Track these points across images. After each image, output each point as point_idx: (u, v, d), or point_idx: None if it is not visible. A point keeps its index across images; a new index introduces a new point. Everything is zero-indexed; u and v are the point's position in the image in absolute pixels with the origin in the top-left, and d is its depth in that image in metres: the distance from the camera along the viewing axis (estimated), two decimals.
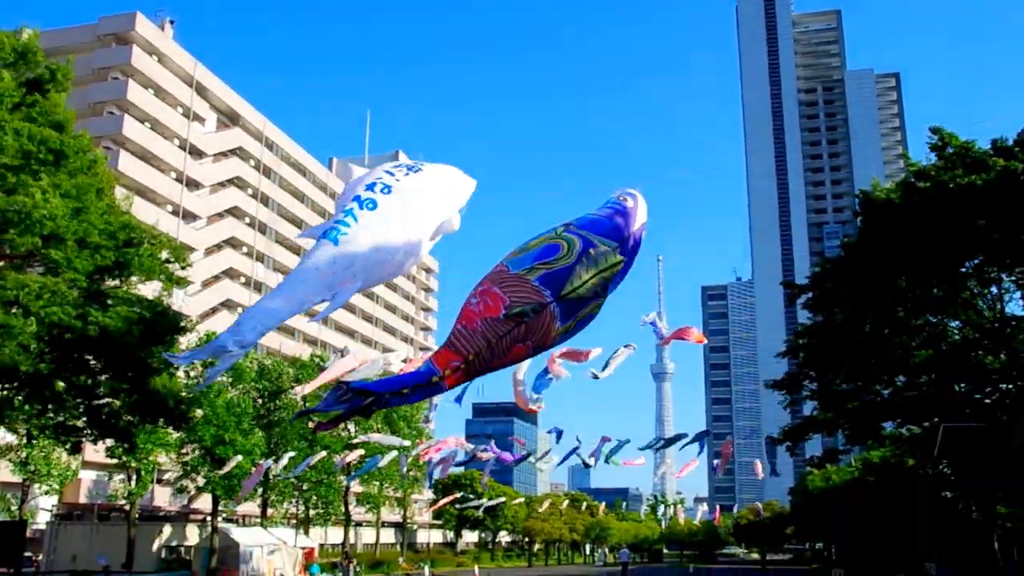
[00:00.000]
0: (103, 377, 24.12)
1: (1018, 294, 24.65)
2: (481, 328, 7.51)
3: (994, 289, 25.48)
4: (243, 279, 71.15)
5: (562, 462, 36.70)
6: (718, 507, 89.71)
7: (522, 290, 7.74)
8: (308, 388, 22.39)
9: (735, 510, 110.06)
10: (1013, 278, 24.52)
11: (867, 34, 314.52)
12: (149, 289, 26.64)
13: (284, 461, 35.85)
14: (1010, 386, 23.75)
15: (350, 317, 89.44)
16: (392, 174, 10.37)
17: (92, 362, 23.92)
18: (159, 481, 50.13)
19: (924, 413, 26.22)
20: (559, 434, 36.07)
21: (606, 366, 18.46)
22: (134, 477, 41.75)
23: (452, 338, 7.63)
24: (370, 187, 9.84)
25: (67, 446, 26.86)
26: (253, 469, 36.02)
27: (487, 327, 7.54)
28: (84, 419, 25.09)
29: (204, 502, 51.65)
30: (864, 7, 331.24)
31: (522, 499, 75.23)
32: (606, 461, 31.74)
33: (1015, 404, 20.03)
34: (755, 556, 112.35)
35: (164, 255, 25.86)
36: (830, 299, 27.76)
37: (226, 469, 32.13)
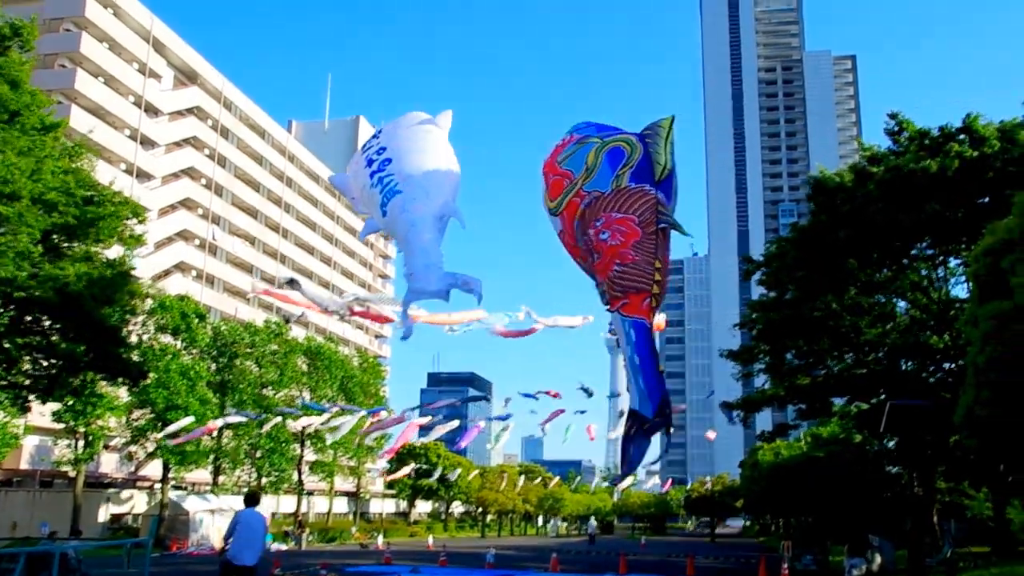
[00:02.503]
0: (57, 337, 23.96)
1: (963, 278, 25.54)
2: (638, 256, 7.83)
3: (941, 272, 26.42)
4: (197, 241, 70.39)
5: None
6: (669, 480, 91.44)
7: (632, 199, 8.11)
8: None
9: (689, 484, 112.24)
10: (959, 261, 25.41)
11: (826, 16, 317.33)
12: (108, 250, 26.43)
13: (235, 418, 35.76)
14: (953, 365, 24.65)
15: (305, 282, 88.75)
16: (369, 146, 10.72)
17: (47, 321, 23.75)
18: (106, 447, 49.46)
19: (872, 390, 27.12)
20: (507, 414, 36.91)
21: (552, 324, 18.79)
22: (81, 442, 40.60)
23: (620, 282, 7.82)
24: (369, 162, 10.26)
25: (16, 407, 26.62)
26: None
27: (641, 251, 7.85)
28: (37, 379, 24.90)
29: (153, 469, 51.22)
30: None
31: (476, 471, 75.94)
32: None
33: (957, 383, 20.86)
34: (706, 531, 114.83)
35: (127, 214, 25.72)
36: (783, 277, 28.44)
37: (173, 428, 31.95)
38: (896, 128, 25.12)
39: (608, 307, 8.01)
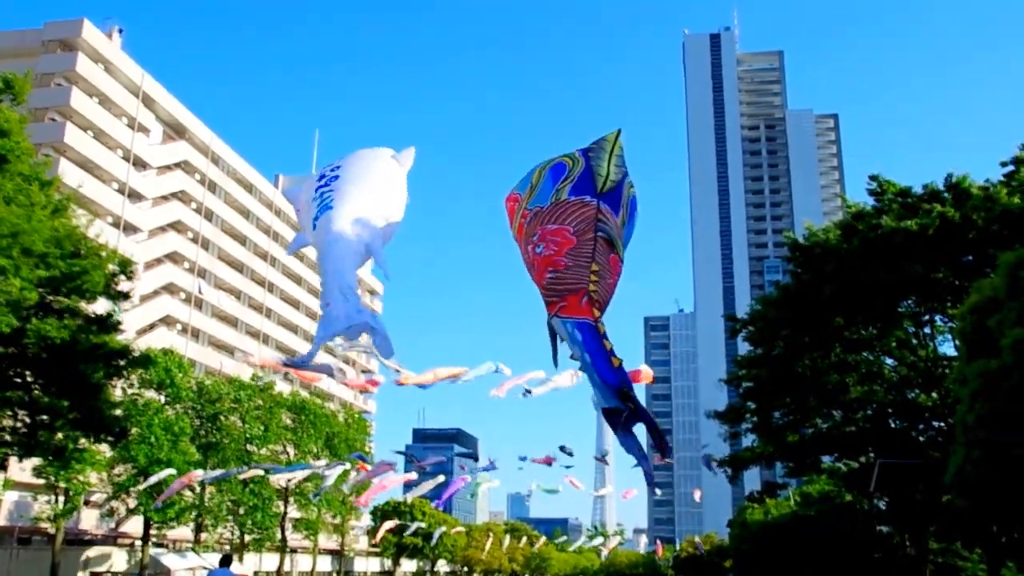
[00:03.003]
0: (40, 392, 23.70)
1: (950, 335, 25.73)
2: (571, 262, 7.74)
3: (927, 330, 26.63)
4: (183, 295, 70.12)
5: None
6: (658, 541, 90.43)
7: (569, 210, 8.04)
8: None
9: (677, 544, 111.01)
10: (945, 319, 25.63)
11: (808, 75, 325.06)
12: (93, 305, 26.29)
13: (216, 473, 35.30)
14: (942, 424, 24.70)
15: (291, 337, 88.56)
16: (330, 164, 10.70)
17: (29, 376, 23.52)
18: (86, 503, 48.55)
19: (861, 448, 27.11)
20: (491, 466, 36.76)
21: (542, 384, 18.85)
22: (61, 498, 39.51)
23: (554, 287, 7.75)
24: (320, 176, 10.20)
25: None
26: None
27: (575, 258, 7.76)
28: (18, 435, 24.56)
29: (134, 525, 50.28)
30: (805, 49, 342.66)
31: (462, 528, 74.93)
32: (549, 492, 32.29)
33: (947, 441, 20.87)
34: None
35: (112, 267, 25.65)
36: (768, 335, 28.57)
37: (154, 480, 31.50)
38: (878, 189, 25.59)
39: (548, 316, 7.81)
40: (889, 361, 27.70)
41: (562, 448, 36.02)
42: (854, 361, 26.84)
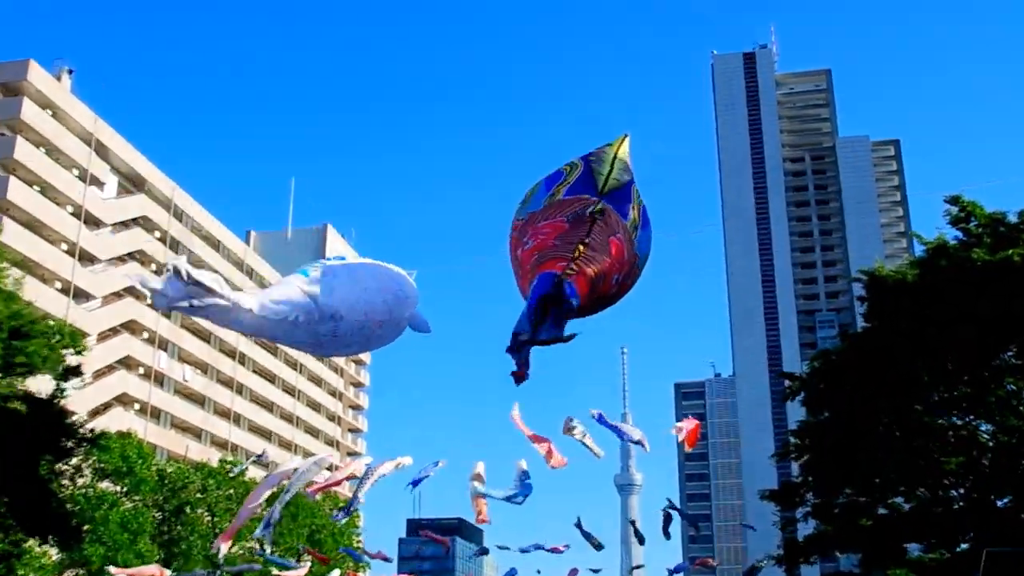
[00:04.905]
0: None
1: None
2: (560, 241, 8.17)
3: None
4: (142, 369, 69.95)
5: None
6: None
7: (564, 206, 8.48)
8: (226, 538, 22.26)
9: None
10: None
11: (861, 96, 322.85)
12: (37, 383, 26.17)
13: None
14: None
15: (266, 416, 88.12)
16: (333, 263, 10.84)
17: None
18: None
19: (957, 533, 25.84)
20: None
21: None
22: None
23: (538, 263, 8.17)
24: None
25: None
26: None
27: (564, 238, 8.15)
28: None
29: None
30: (857, 66, 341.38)
31: None
32: None
33: None
34: None
35: (57, 339, 25.60)
36: (833, 396, 27.96)
37: None
38: (961, 214, 24.70)
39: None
40: (984, 426, 26.46)
41: (579, 527, 34.52)
42: (939, 425, 25.90)
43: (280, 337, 9.29)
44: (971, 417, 26.11)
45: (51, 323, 26.65)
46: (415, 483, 22.03)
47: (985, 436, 26.52)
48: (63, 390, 26.52)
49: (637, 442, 18.02)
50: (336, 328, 9.11)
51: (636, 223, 8.76)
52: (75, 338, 26.70)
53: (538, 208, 8.84)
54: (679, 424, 19.02)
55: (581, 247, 7.89)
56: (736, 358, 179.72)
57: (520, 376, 7.93)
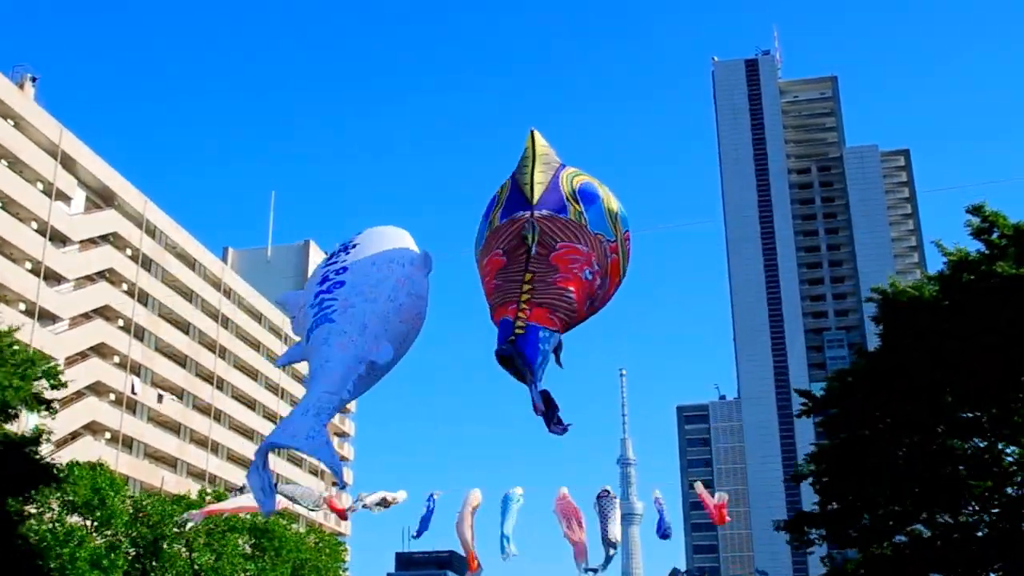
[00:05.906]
0: None
1: None
2: (501, 280, 8.91)
3: None
4: (112, 396, 69.49)
5: None
6: None
7: (499, 235, 9.21)
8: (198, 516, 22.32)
9: None
10: None
11: (869, 104, 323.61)
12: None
13: None
14: None
15: (247, 444, 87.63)
16: (335, 260, 10.81)
17: None
18: None
19: (983, 562, 25.67)
20: None
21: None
22: None
23: (491, 304, 8.95)
24: (323, 279, 10.28)
25: None
26: None
27: (504, 275, 8.89)
28: None
29: None
30: (865, 73, 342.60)
31: None
32: None
33: None
34: None
35: (27, 368, 25.32)
36: (849, 417, 27.82)
37: None
38: (984, 224, 24.51)
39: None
40: (1009, 449, 26.28)
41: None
42: (961, 449, 25.78)
43: (366, 388, 9.83)
44: (995, 439, 25.92)
45: (16, 348, 26.19)
46: (419, 533, 22.52)
47: (1010, 459, 26.39)
48: (37, 429, 26.18)
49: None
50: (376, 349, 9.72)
51: (579, 209, 9.32)
52: (52, 370, 26.29)
53: (482, 243, 9.62)
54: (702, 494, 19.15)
55: (525, 286, 8.55)
56: (741, 379, 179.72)
57: (559, 424, 8.75)
